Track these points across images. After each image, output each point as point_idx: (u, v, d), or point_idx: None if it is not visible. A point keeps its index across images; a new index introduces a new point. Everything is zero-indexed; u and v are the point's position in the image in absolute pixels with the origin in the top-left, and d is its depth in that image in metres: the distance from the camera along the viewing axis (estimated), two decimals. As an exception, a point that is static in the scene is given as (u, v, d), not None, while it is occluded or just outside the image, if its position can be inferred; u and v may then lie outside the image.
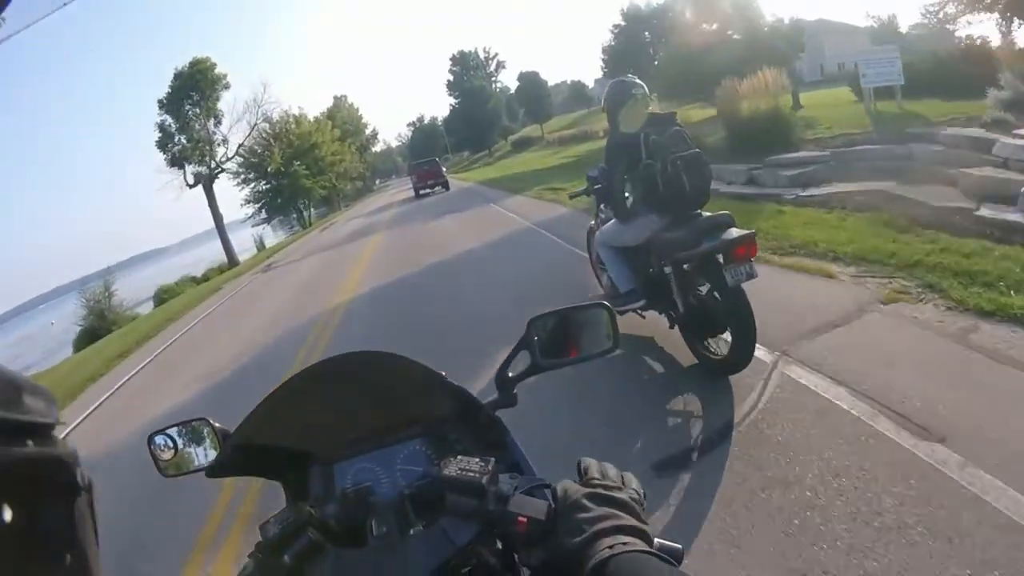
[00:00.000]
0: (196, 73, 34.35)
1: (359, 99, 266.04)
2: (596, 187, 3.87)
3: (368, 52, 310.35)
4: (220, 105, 35.26)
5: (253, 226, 38.56)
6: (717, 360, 2.93)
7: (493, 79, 65.78)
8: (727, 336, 2.90)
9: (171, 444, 0.95)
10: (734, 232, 2.72)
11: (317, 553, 0.71)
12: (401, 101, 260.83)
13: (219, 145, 35.38)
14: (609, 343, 0.95)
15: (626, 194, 3.20)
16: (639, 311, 3.45)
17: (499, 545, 0.76)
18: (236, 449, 0.87)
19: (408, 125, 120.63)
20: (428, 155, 41.38)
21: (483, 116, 61.90)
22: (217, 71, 34.82)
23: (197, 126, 34.31)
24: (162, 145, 34.13)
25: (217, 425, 0.94)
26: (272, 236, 40.04)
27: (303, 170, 38.34)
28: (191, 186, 33.98)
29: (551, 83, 68.08)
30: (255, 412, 0.84)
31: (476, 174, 33.95)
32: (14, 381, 0.29)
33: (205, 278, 24.36)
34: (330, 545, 0.73)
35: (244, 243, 35.76)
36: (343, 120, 52.20)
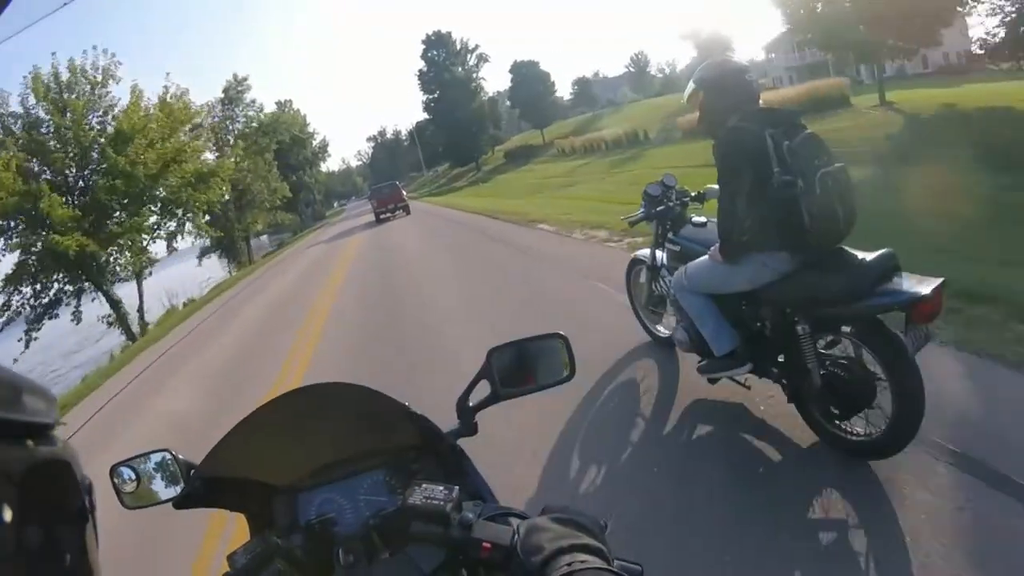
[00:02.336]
0: None
1: (318, 116, 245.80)
2: (659, 209, 3.08)
3: (320, 61, 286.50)
4: None
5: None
6: (857, 442, 2.19)
7: (474, 75, 50.01)
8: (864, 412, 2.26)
9: (133, 476, 0.93)
10: (917, 281, 1.98)
11: None
12: (361, 116, 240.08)
13: None
14: (566, 372, 0.97)
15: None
16: (740, 379, 2.58)
17: (464, 573, 0.74)
18: (201, 481, 0.89)
19: (368, 140, 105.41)
20: (392, 174, 39.00)
21: (467, 119, 46.25)
22: None
23: None
24: None
25: (180, 456, 0.92)
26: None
27: (61, 204, 14.17)
28: None
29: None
30: (220, 444, 0.86)
31: (505, 202, 17.66)
32: (14, 381, 0.28)
33: None
34: (298, 575, 0.76)
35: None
36: (247, 109, 30.58)
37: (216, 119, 27.63)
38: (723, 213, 2.32)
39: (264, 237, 72.80)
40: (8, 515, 0.26)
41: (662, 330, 3.43)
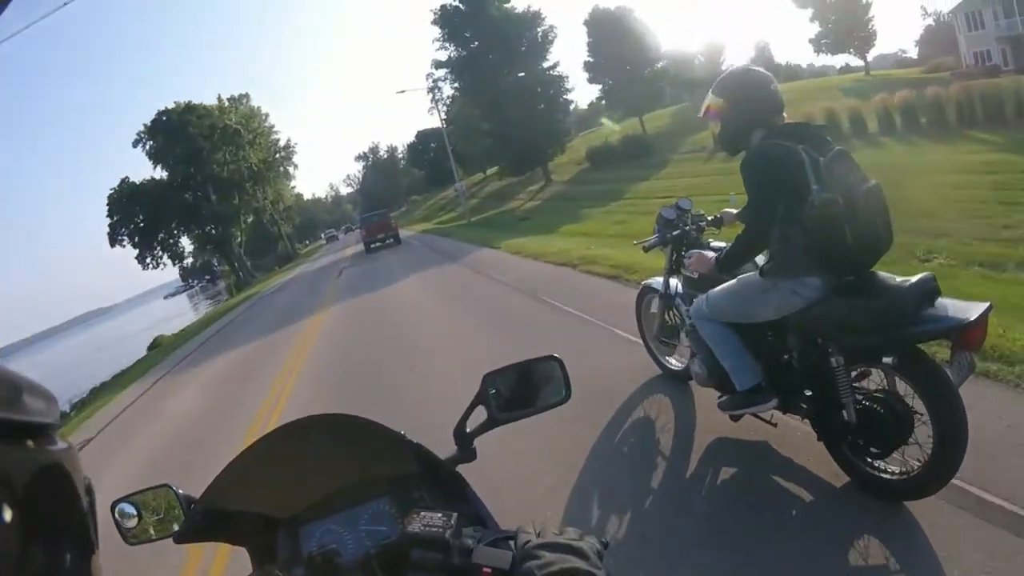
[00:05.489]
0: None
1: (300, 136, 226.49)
2: (674, 234, 2.95)
3: (305, 75, 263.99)
4: None
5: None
6: (893, 481, 2.07)
7: (541, 16, 29.72)
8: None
9: (135, 512, 0.93)
10: (961, 306, 1.85)
11: None
12: (349, 137, 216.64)
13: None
14: (562, 394, 0.97)
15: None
16: (765, 416, 2.45)
17: None
18: (202, 515, 0.88)
19: (357, 159, 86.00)
20: (387, 199, 38.42)
21: (529, 93, 25.96)
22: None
23: None
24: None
25: (180, 491, 0.92)
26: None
27: None
28: None
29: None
30: (219, 478, 0.86)
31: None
32: (14, 381, 0.28)
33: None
34: None
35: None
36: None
37: None
38: (753, 235, 2.23)
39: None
40: (8, 515, 0.26)
41: (674, 362, 3.32)
